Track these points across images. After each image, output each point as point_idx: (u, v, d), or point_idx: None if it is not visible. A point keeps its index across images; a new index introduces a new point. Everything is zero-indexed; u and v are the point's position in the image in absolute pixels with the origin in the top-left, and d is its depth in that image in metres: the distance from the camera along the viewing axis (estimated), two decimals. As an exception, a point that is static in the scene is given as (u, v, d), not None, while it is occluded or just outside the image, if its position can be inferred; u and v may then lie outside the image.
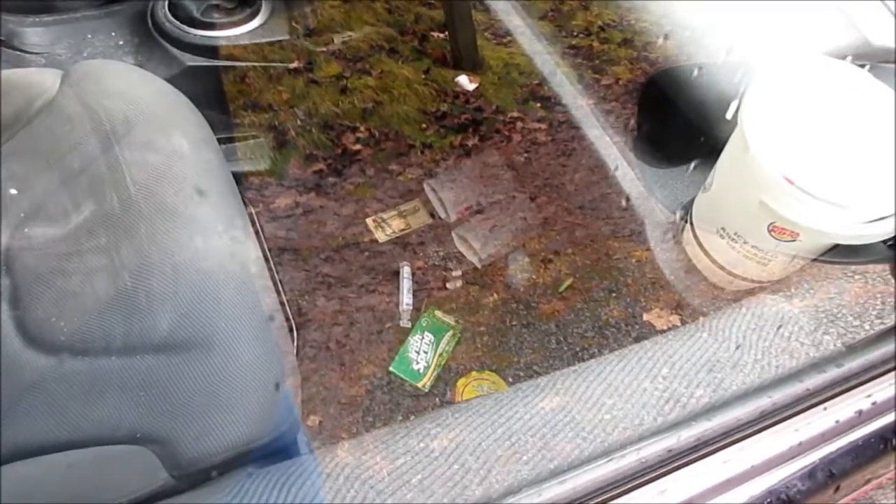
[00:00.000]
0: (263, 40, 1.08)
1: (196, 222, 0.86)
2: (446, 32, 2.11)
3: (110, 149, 0.88)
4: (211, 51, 1.06)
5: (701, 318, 0.73)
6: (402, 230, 1.73)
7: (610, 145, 1.91)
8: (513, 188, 1.83)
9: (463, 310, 1.64)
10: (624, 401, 0.62)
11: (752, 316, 0.72)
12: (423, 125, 1.95)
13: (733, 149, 1.19)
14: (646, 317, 1.65)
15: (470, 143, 1.92)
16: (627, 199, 1.72)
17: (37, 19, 1.03)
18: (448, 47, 2.08)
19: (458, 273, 1.69)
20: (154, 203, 0.86)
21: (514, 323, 1.64)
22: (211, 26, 1.07)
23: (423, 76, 2.04)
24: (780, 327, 0.70)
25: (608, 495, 0.54)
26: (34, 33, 1.05)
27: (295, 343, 0.95)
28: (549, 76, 2.11)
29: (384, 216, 1.74)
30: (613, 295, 1.70)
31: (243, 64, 1.09)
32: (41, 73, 0.95)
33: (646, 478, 0.56)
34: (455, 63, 2.06)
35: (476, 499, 0.54)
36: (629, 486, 0.55)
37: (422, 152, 1.90)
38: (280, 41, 1.08)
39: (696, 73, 1.17)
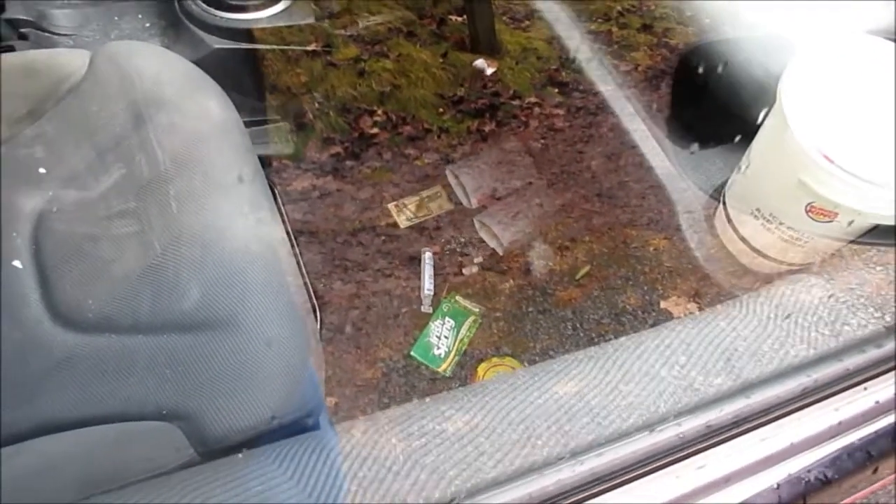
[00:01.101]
0: (287, 23, 1.08)
1: (223, 203, 0.87)
2: (465, 16, 2.10)
3: (137, 130, 0.89)
4: (236, 33, 1.07)
5: (718, 306, 0.73)
6: (424, 215, 1.74)
7: (628, 132, 1.90)
8: (530, 174, 1.83)
9: (479, 295, 1.65)
10: (640, 388, 0.62)
11: (769, 305, 0.72)
12: (441, 109, 1.95)
13: (771, 127, 1.18)
14: (663, 304, 1.65)
15: (487, 128, 1.92)
16: (650, 186, 1.71)
17: (66, 2, 1.04)
18: (466, 31, 2.08)
19: (477, 259, 1.70)
20: (181, 185, 0.87)
21: (530, 309, 1.65)
22: (236, 9, 1.08)
23: (441, 60, 2.04)
24: (797, 317, 0.70)
25: (650, 467, 0.55)
26: (63, 16, 1.06)
27: (318, 323, 0.96)
28: (567, 61, 2.10)
29: (406, 201, 1.75)
30: (630, 283, 1.70)
31: (266, 47, 1.09)
32: (70, 54, 0.95)
33: (684, 452, 0.56)
34: (473, 47, 2.06)
35: (488, 483, 0.55)
36: (668, 460, 0.56)
37: (438, 137, 1.90)
38: (300, 24, 1.08)
39: (731, 48, 1.15)
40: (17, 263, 0.85)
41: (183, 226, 0.85)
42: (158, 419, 0.76)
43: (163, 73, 0.93)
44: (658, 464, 0.55)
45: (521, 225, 1.73)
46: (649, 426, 0.58)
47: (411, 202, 1.75)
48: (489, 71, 2.03)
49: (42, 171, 0.89)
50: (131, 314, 0.81)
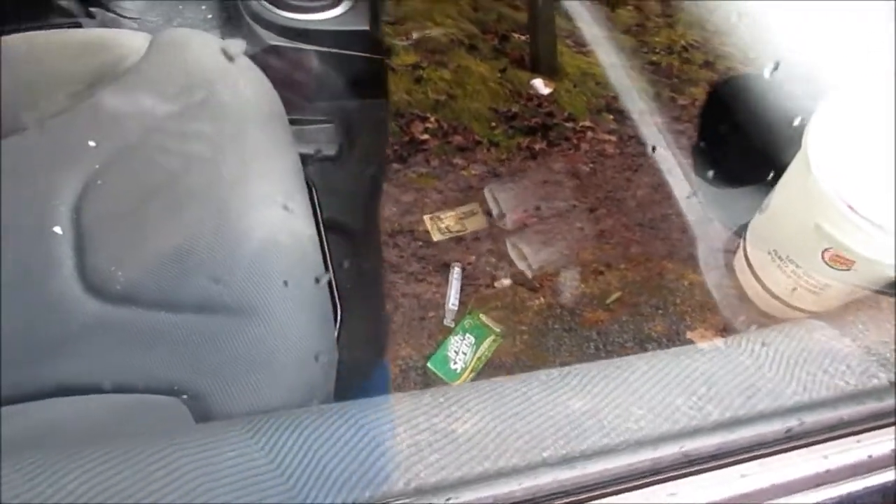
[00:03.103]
0: (343, 27, 1.11)
1: (257, 192, 0.90)
2: (527, 35, 2.12)
3: (184, 113, 0.93)
4: (293, 32, 1.10)
5: (744, 342, 0.72)
6: (458, 231, 1.76)
7: (678, 165, 1.89)
8: (574, 197, 1.84)
9: (507, 308, 1.66)
10: (655, 414, 0.62)
11: (798, 347, 0.70)
12: (493, 123, 1.97)
13: (795, 169, 1.16)
14: (689, 335, 1.64)
15: (537, 146, 1.93)
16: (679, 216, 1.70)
17: None
18: (527, 50, 2.09)
19: (510, 273, 1.70)
20: (219, 170, 0.90)
21: (555, 326, 1.65)
22: (296, 9, 1.11)
23: (499, 75, 2.05)
24: (826, 363, 0.69)
25: (620, 487, 0.55)
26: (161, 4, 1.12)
27: (337, 323, 0.98)
28: (625, 89, 2.10)
29: (441, 215, 1.76)
30: (660, 312, 1.69)
31: (321, 48, 1.12)
32: (132, 35, 1.00)
33: (657, 478, 0.56)
34: (532, 66, 2.07)
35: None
36: (639, 482, 0.55)
37: (488, 150, 1.92)
38: (361, 30, 1.11)
39: (762, 83, 1.13)
40: (57, 229, 0.89)
41: (215, 209, 0.88)
42: (168, 394, 0.80)
43: (215, 62, 0.97)
44: (626, 485, 0.55)
45: (553, 250, 1.73)
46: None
47: (447, 217, 1.77)
48: (546, 91, 2.04)
49: (91, 143, 0.93)
50: (157, 290, 0.84)
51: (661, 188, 1.91)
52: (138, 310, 0.84)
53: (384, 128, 1.52)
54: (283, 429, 0.50)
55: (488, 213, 1.79)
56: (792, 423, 0.61)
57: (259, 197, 0.91)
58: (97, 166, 0.92)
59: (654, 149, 1.70)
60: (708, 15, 2.20)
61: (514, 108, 2.00)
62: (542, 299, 1.69)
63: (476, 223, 1.77)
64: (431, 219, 1.76)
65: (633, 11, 2.33)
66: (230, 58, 0.94)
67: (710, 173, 1.43)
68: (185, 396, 0.79)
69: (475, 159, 1.90)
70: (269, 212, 0.89)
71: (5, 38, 0.99)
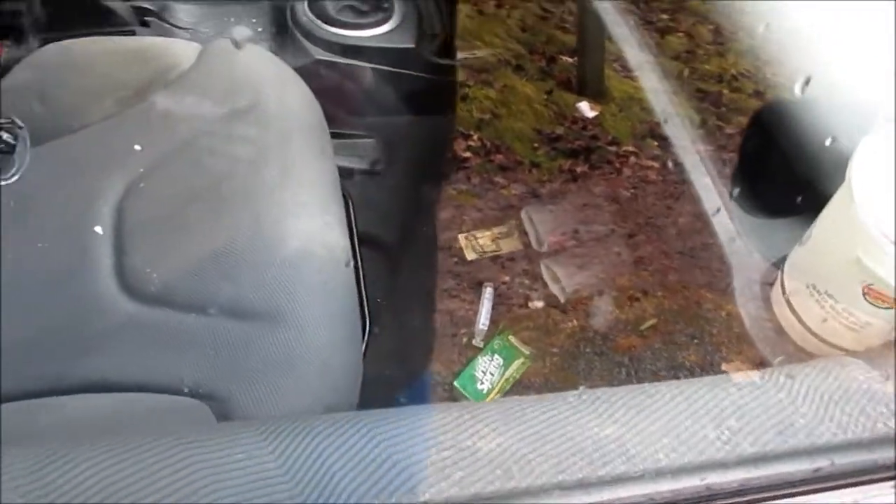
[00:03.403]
0: (390, 45, 1.13)
1: (294, 201, 0.92)
2: (575, 58, 2.12)
3: (229, 121, 0.95)
4: (339, 48, 1.13)
5: (779, 377, 0.70)
6: (493, 252, 1.76)
7: (721, 195, 1.87)
8: (613, 222, 1.83)
9: (539, 329, 1.65)
10: (681, 444, 0.61)
11: (834, 385, 0.69)
12: (536, 144, 1.97)
13: (839, 200, 1.13)
14: (724, 367, 1.61)
15: (579, 169, 1.93)
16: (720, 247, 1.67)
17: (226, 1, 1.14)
18: (574, 72, 2.09)
19: (544, 295, 1.70)
20: (258, 178, 0.92)
21: (587, 349, 1.64)
22: (343, 25, 1.13)
23: (545, 97, 2.06)
24: (864, 402, 0.67)
25: None
26: (183, 10, 1.15)
27: (365, 338, 1.00)
28: (670, 116, 2.08)
29: (477, 235, 1.77)
30: (695, 341, 1.67)
31: (367, 64, 1.14)
32: (183, 44, 1.03)
33: None
34: (579, 89, 2.07)
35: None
36: None
37: (529, 170, 1.91)
38: (406, 48, 1.14)
39: (804, 109, 1.11)
40: (98, 229, 0.92)
41: (252, 215, 0.90)
42: (194, 396, 0.81)
43: (262, 72, 0.99)
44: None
45: (588, 274, 1.72)
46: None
47: (482, 236, 1.77)
48: (591, 114, 2.03)
49: (137, 147, 0.96)
50: (190, 293, 0.86)
51: (702, 217, 1.88)
52: (171, 311, 0.86)
53: (441, 145, 1.53)
54: (296, 434, 0.51)
55: (525, 235, 1.79)
56: (822, 462, 0.60)
57: (296, 206, 0.92)
58: (141, 170, 0.95)
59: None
60: (760, 44, 2.18)
61: (558, 130, 2.00)
62: (574, 322, 1.68)
63: (511, 244, 1.77)
64: (467, 237, 1.76)
65: (684, 38, 2.31)
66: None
67: (750, 202, 1.40)
68: (209, 401, 0.80)
69: (516, 179, 1.90)
70: (306, 221, 0.91)
71: (62, 42, 1.03)
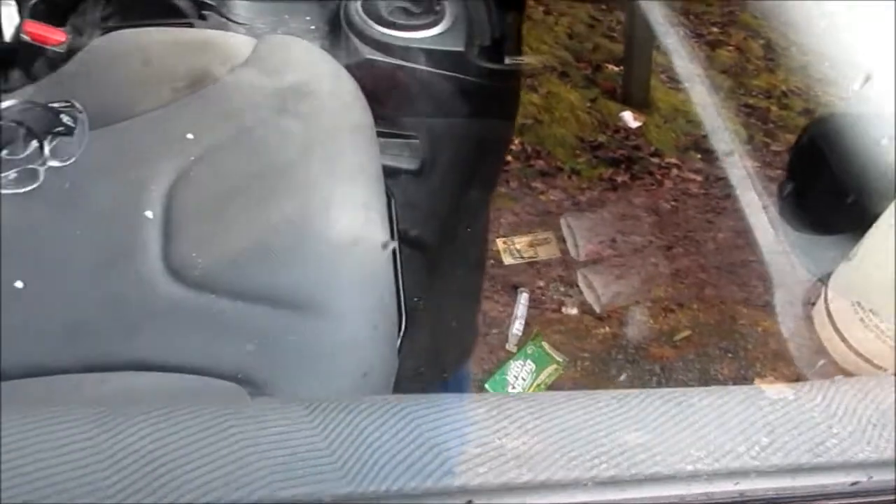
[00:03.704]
0: (438, 47, 1.15)
1: (337, 196, 0.94)
2: (621, 66, 2.12)
3: (279, 114, 0.98)
4: (389, 48, 1.15)
5: (815, 394, 0.70)
6: (530, 258, 1.76)
7: (763, 212, 1.85)
8: (651, 233, 1.82)
9: (571, 334, 1.65)
10: (713, 459, 0.61)
11: (875, 409, 0.68)
12: (577, 151, 1.97)
13: (889, 216, 1.12)
14: (757, 382, 1.60)
15: (619, 178, 1.93)
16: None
17: None
18: (620, 81, 2.09)
19: (579, 301, 1.70)
20: (304, 171, 0.95)
21: (618, 356, 1.64)
22: (394, 26, 1.15)
23: (589, 104, 2.06)
24: (874, 418, 0.66)
25: None
26: (240, 6, 1.18)
27: (401, 334, 1.01)
28: (716, 130, 2.07)
29: (515, 240, 1.77)
30: (729, 355, 1.66)
31: (417, 66, 1.16)
32: (239, 38, 1.06)
33: None
34: (623, 98, 2.07)
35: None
36: None
37: (569, 177, 1.92)
38: (455, 51, 1.15)
39: (855, 123, 1.09)
40: (148, 213, 0.95)
41: (298, 206, 0.92)
42: (232, 381, 0.83)
43: (312, 68, 1.02)
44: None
45: (625, 283, 1.72)
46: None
47: (520, 242, 1.77)
48: (634, 124, 2.03)
49: (190, 136, 0.99)
50: (233, 279, 0.88)
51: (742, 233, 1.87)
52: (213, 297, 0.88)
53: (492, 150, 1.53)
54: (339, 411, 0.52)
55: (563, 242, 1.79)
56: (860, 477, 0.59)
57: (341, 199, 0.95)
58: (192, 158, 0.97)
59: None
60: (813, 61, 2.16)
61: (600, 139, 2.00)
62: (607, 329, 1.68)
63: (548, 251, 1.77)
64: (504, 242, 1.77)
65: (734, 52, 2.30)
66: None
67: (797, 217, 1.39)
68: (247, 385, 0.83)
69: (555, 185, 1.91)
70: (349, 214, 0.93)
71: (122, 31, 1.06)
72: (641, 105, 2.06)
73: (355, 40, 1.14)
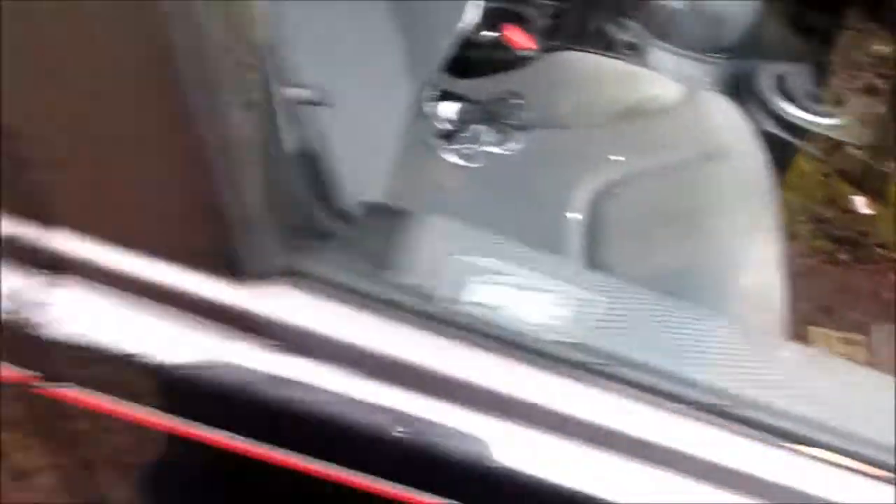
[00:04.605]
0: (835, 137, 1.27)
1: (751, 251, 1.07)
2: (862, 151, 2.18)
3: (705, 162, 1.11)
4: (786, 124, 1.28)
5: None
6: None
7: None
8: (866, 315, 1.89)
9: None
10: None
11: None
12: (801, 217, 2.04)
13: None
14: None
15: (840, 256, 2.00)
16: None
17: (699, 55, 1.31)
18: (859, 166, 2.16)
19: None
20: (724, 220, 1.08)
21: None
22: (801, 106, 1.27)
23: (821, 178, 2.12)
24: None
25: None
26: (669, 59, 1.31)
27: None
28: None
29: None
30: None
31: (808, 148, 1.26)
32: (669, 83, 1.21)
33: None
34: (858, 183, 2.13)
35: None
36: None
37: (789, 240, 1.99)
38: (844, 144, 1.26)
39: None
40: (574, 215, 1.11)
41: (710, 253, 1.06)
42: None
43: (735, 126, 1.16)
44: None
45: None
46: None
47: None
48: (865, 210, 2.09)
49: (616, 158, 1.14)
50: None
51: None
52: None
53: None
54: None
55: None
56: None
57: (739, 250, 1.07)
58: (618, 177, 1.13)
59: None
60: None
61: (827, 214, 2.08)
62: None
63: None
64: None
65: None
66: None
67: None
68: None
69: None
70: (754, 275, 1.05)
71: (571, 52, 1.22)
72: (876, 195, 2.11)
73: (756, 110, 1.27)
